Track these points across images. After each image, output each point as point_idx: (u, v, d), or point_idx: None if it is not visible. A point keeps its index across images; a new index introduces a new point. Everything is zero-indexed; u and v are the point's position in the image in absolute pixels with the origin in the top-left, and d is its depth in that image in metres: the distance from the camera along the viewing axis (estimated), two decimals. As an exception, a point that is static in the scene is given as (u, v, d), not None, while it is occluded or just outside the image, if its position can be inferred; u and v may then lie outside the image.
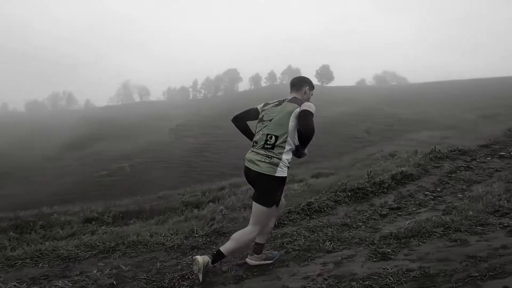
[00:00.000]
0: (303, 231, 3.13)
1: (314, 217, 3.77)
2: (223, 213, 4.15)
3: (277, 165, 2.05)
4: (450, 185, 4.89)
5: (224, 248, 2.09)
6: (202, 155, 32.65)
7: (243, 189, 8.19)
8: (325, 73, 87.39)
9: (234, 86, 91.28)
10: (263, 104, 2.34)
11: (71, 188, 20.09)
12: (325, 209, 4.02)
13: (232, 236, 2.18)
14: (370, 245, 2.53)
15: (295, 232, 3.11)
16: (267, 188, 2.09)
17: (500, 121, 14.02)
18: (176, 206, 7.37)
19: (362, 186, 4.62)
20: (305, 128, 2.02)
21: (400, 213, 3.79)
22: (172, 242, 2.97)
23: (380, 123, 30.18)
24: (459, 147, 7.03)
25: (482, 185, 4.67)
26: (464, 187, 4.70)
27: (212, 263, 2.05)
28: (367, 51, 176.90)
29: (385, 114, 33.37)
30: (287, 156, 2.10)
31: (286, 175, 2.11)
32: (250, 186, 2.27)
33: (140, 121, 47.78)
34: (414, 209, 3.93)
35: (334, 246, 2.67)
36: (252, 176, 2.13)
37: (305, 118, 2.03)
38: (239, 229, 2.31)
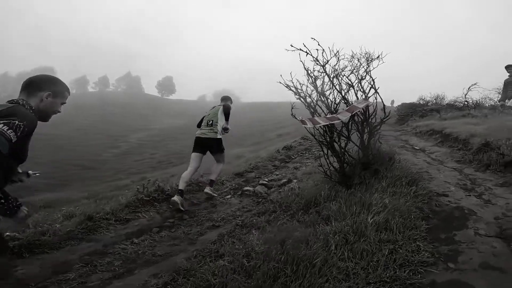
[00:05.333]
0: None
1: None
2: None
3: (216, 132, 4.20)
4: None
5: (212, 177, 4.33)
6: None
7: None
8: (167, 84, 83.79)
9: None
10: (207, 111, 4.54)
11: None
12: None
13: (211, 170, 4.39)
14: None
15: None
16: (217, 143, 4.24)
17: (284, 139, 14.70)
18: None
19: None
20: (225, 107, 4.33)
21: None
22: None
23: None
24: (200, 180, 4.84)
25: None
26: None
27: (210, 186, 4.26)
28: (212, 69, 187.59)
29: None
30: (220, 129, 4.23)
31: (221, 137, 4.28)
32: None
33: None
34: None
35: None
36: (205, 142, 4.21)
37: (225, 105, 4.37)
38: None
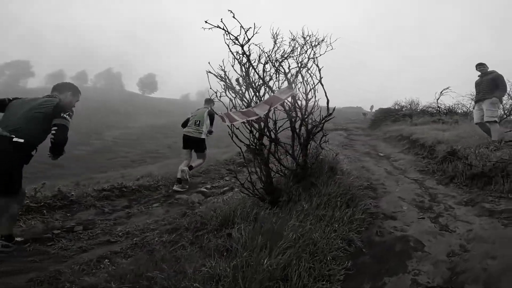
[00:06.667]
0: None
1: None
2: None
3: (201, 133, 4.55)
4: None
5: (193, 164, 4.62)
6: None
7: None
8: (149, 82, 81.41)
9: (20, 82, 69.16)
10: (191, 113, 4.84)
11: None
12: None
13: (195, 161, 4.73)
14: None
15: None
16: (200, 143, 4.60)
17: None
18: None
19: None
20: (211, 115, 4.56)
21: None
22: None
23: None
24: (124, 185, 4.08)
25: None
26: None
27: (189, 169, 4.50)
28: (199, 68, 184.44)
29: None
30: (205, 130, 4.59)
31: (205, 137, 4.63)
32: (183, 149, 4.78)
33: None
34: None
35: None
36: (191, 140, 4.59)
37: (210, 111, 4.60)
38: None
